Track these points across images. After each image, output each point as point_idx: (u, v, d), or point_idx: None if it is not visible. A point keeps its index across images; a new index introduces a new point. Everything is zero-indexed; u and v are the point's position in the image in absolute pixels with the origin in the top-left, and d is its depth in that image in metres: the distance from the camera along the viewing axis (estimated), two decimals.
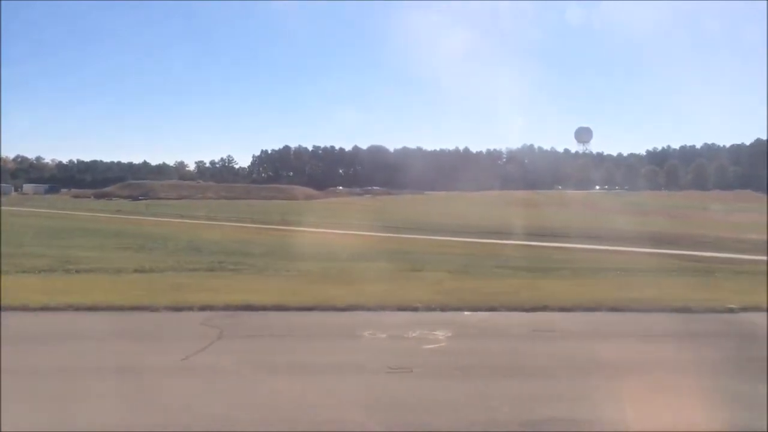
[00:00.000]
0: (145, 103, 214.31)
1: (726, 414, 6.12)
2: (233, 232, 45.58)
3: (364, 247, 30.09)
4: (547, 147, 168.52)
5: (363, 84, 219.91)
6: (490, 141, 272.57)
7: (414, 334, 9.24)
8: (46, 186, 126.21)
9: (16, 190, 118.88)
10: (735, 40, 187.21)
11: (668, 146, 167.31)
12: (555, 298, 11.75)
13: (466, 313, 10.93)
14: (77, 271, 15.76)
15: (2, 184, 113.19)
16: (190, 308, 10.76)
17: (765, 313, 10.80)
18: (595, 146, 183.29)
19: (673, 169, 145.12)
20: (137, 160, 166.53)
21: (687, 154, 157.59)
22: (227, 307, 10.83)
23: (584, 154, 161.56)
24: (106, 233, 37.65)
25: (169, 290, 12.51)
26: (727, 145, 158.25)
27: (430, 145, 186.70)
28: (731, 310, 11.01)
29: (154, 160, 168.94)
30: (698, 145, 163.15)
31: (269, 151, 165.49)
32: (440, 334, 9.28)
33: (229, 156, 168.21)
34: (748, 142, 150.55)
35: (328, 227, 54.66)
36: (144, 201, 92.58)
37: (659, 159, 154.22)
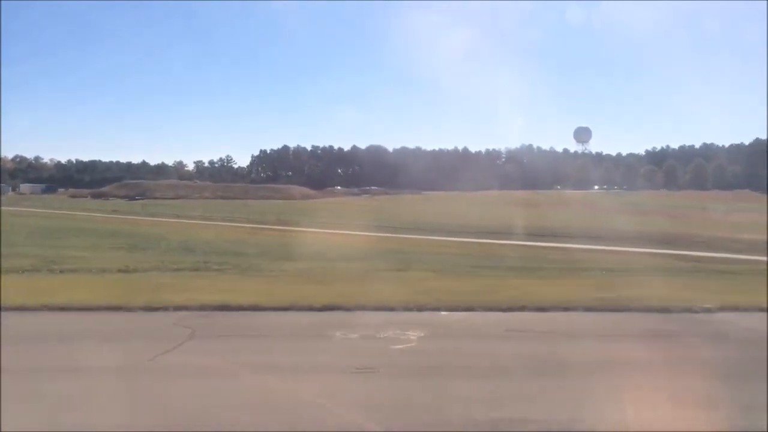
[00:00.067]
0: (145, 103, 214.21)
1: (675, 413, 6.18)
2: (227, 232, 45.55)
3: (355, 248, 30.04)
4: (546, 147, 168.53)
5: (362, 84, 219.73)
6: (489, 141, 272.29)
7: (386, 335, 9.22)
8: (43, 186, 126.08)
9: (13, 190, 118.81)
10: (735, 40, 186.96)
11: (667, 146, 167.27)
12: (534, 299, 11.73)
13: (443, 313, 10.92)
14: (61, 271, 15.76)
15: (1, 184, 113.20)
16: (165, 308, 10.77)
17: (741, 313, 10.82)
18: (594, 146, 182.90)
19: (672, 169, 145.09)
20: (136, 160, 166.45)
21: (686, 154, 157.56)
22: (203, 308, 10.84)
23: (583, 154, 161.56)
24: (101, 233, 37.64)
25: (148, 290, 12.51)
26: (726, 145, 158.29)
27: (429, 145, 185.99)
28: (708, 310, 10.99)
29: (154, 160, 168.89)
30: (697, 145, 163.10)
31: (268, 151, 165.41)
32: (412, 334, 9.26)
33: (228, 156, 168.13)
34: (747, 142, 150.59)
35: (323, 227, 54.65)
36: (140, 201, 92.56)
37: (658, 159, 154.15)
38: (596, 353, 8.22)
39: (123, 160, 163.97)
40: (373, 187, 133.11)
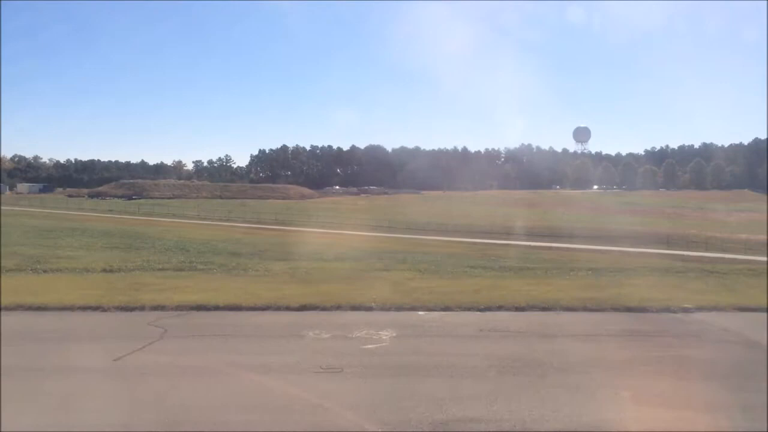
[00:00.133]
0: (144, 103, 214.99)
1: (633, 413, 6.16)
2: (223, 231, 45.56)
3: (348, 247, 30.03)
4: (545, 147, 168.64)
5: (361, 84, 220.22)
6: (488, 141, 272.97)
7: (359, 334, 9.19)
8: (40, 185, 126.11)
9: (10, 190, 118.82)
10: (735, 40, 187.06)
11: (666, 146, 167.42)
12: (512, 298, 11.68)
13: (420, 312, 10.87)
14: (44, 271, 15.70)
15: (0, 184, 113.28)
16: (141, 308, 10.74)
17: (719, 313, 10.78)
18: (593, 146, 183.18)
19: (671, 169, 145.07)
20: (135, 159, 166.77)
21: (685, 153, 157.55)
22: (179, 307, 10.81)
23: (582, 154, 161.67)
24: (94, 233, 37.58)
25: (127, 290, 12.46)
26: (726, 144, 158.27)
27: (428, 145, 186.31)
28: (686, 310, 10.94)
29: (153, 160, 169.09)
30: (696, 145, 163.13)
31: (267, 151, 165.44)
32: (385, 334, 9.22)
33: (227, 155, 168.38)
34: (746, 142, 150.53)
35: (320, 227, 54.67)
36: (137, 200, 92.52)
37: (657, 158, 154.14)
38: (565, 354, 8.15)
39: (122, 159, 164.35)
40: (371, 187, 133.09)
